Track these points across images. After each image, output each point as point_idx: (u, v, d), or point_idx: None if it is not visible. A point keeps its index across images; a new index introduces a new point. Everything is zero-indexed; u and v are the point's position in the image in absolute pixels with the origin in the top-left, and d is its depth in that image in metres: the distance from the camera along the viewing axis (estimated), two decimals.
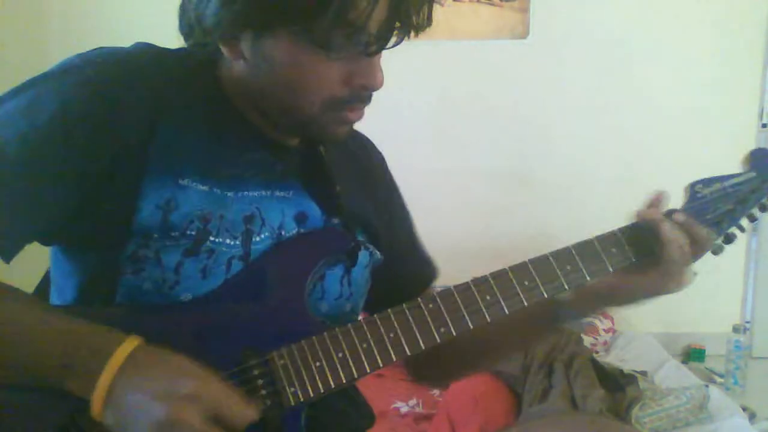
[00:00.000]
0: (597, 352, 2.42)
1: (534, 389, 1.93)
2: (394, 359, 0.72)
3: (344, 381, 0.70)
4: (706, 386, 2.00)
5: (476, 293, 0.75)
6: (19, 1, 2.63)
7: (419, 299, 0.75)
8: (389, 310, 0.74)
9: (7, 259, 0.67)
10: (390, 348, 0.72)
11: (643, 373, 2.16)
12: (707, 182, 0.87)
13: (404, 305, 0.74)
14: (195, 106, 0.74)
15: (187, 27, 0.74)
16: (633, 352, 2.43)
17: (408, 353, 0.72)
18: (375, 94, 0.73)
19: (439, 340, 0.74)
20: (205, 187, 0.72)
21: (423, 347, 0.73)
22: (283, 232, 0.76)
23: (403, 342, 0.72)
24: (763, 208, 0.88)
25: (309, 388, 0.69)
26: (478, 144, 2.72)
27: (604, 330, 2.57)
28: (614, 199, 2.77)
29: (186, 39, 0.76)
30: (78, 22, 2.58)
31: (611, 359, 2.33)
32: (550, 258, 0.78)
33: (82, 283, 0.72)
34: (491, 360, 1.01)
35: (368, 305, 0.88)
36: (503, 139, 2.71)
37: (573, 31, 2.64)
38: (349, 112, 0.73)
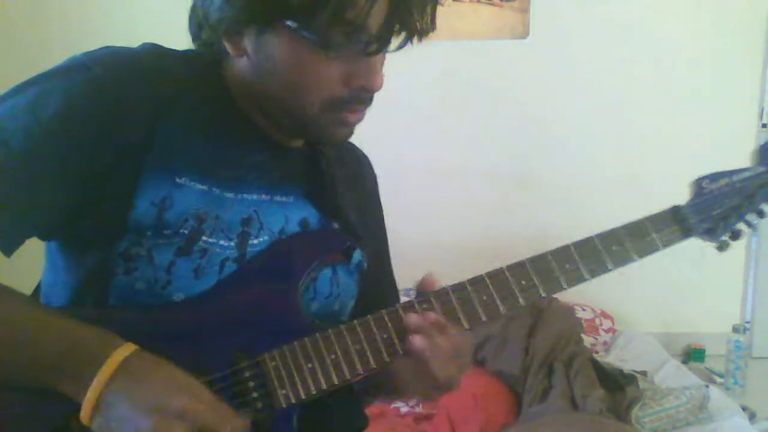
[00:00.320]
0: (597, 352, 2.42)
1: (534, 389, 1.93)
2: (387, 361, 0.72)
3: (336, 383, 0.70)
4: (706, 386, 2.00)
5: (472, 293, 0.75)
6: (20, 2, 2.63)
7: (413, 300, 0.74)
8: (382, 311, 0.73)
9: (8, 253, 0.67)
10: (383, 349, 0.72)
11: (643, 373, 2.16)
12: (714, 177, 0.85)
13: (398, 306, 0.74)
14: (199, 106, 0.74)
15: (195, 27, 0.75)
16: (633, 352, 2.43)
17: (401, 354, 0.72)
18: (374, 94, 0.73)
19: None
20: (203, 187, 0.72)
21: None
22: (283, 237, 0.76)
23: (396, 343, 0.72)
24: None
25: (300, 390, 0.69)
26: (478, 144, 2.72)
27: (604, 330, 2.57)
28: (614, 199, 2.79)
29: (194, 40, 0.77)
30: (79, 22, 2.58)
31: (611, 359, 2.33)
32: (549, 256, 0.77)
33: (75, 284, 0.72)
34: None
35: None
36: (503, 139, 2.71)
37: (573, 31, 2.64)
38: (349, 114, 0.73)
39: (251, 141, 0.77)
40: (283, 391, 0.68)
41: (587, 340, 2.41)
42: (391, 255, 1.00)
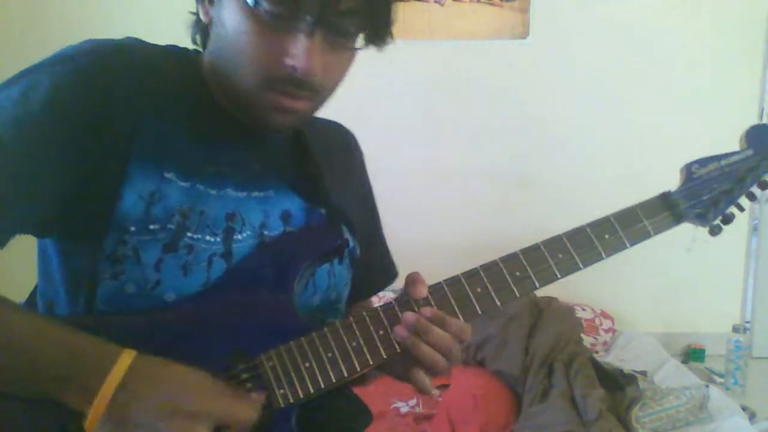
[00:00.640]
0: (597, 352, 2.42)
1: (534, 389, 1.93)
2: (385, 356, 0.72)
3: (334, 381, 0.70)
4: (706, 386, 2.00)
5: (467, 286, 0.75)
6: (19, 1, 2.63)
7: (408, 297, 0.74)
8: (378, 307, 0.74)
9: (1, 245, 0.67)
10: (380, 346, 0.72)
11: (643, 373, 2.16)
12: (703, 162, 0.85)
13: (393, 302, 0.74)
14: (180, 101, 0.75)
15: (194, 27, 0.78)
16: (633, 352, 2.43)
17: (398, 350, 0.72)
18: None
19: None
20: (186, 184, 0.72)
21: None
22: (265, 231, 0.76)
23: (394, 339, 0.72)
24: (762, 186, 0.86)
25: (299, 390, 0.69)
26: (478, 144, 2.72)
27: (604, 330, 2.57)
28: (615, 199, 2.77)
29: (193, 41, 0.79)
30: (79, 22, 2.58)
31: (611, 359, 2.33)
32: (542, 247, 0.77)
33: (66, 289, 0.72)
34: None
35: None
36: (503, 139, 2.71)
37: (573, 31, 2.64)
38: (284, 97, 0.71)
39: (230, 135, 0.77)
40: (282, 391, 0.68)
41: (587, 340, 2.42)
42: (392, 255, 1.00)
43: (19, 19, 2.61)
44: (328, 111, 0.84)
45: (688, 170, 0.85)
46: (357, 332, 0.72)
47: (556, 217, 2.76)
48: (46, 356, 0.61)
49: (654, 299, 2.72)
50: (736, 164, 0.85)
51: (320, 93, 0.74)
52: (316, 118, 0.92)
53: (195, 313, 0.70)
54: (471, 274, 0.75)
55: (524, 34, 2.63)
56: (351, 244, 0.86)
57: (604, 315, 2.60)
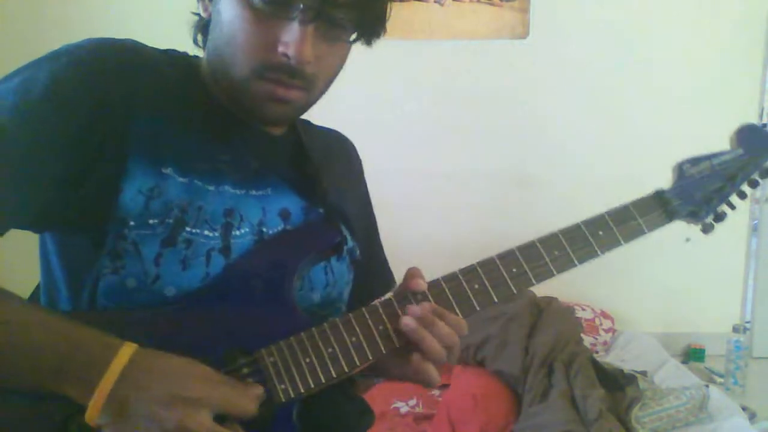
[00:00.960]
0: (597, 352, 2.42)
1: (534, 389, 1.93)
2: (384, 351, 0.72)
3: (335, 376, 0.71)
4: (706, 386, 2.00)
5: (464, 282, 0.76)
6: (18, 3, 2.63)
7: (406, 292, 0.75)
8: (377, 303, 0.74)
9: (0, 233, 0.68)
10: (379, 342, 0.73)
11: (643, 373, 2.16)
12: (695, 161, 0.87)
13: (392, 298, 0.75)
14: (177, 98, 0.76)
15: (195, 27, 0.80)
16: (633, 352, 2.43)
17: (397, 345, 0.73)
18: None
19: None
20: (184, 179, 0.72)
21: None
22: (264, 229, 0.77)
23: (392, 335, 0.73)
24: (752, 184, 0.88)
25: (299, 385, 0.69)
26: (478, 145, 2.72)
27: (604, 330, 2.57)
28: (614, 200, 2.78)
29: (194, 43, 0.81)
30: (78, 23, 2.58)
31: (611, 359, 2.33)
32: (538, 244, 0.79)
33: (67, 285, 0.72)
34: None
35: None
36: (503, 139, 2.71)
37: (573, 31, 2.64)
38: (277, 87, 0.72)
39: (228, 132, 0.78)
40: (282, 386, 0.69)
41: (587, 340, 2.42)
42: (391, 255, 1.01)
43: (18, 19, 2.61)
44: (324, 110, 0.84)
45: (680, 169, 0.87)
46: (356, 328, 0.73)
47: (556, 217, 2.76)
48: (48, 348, 0.61)
49: (654, 299, 2.72)
50: (727, 163, 0.87)
51: (314, 84, 0.74)
52: (316, 125, 0.93)
53: (195, 307, 0.71)
54: (468, 271, 0.76)
55: (524, 34, 2.63)
56: (350, 243, 0.86)
57: (604, 315, 2.60)
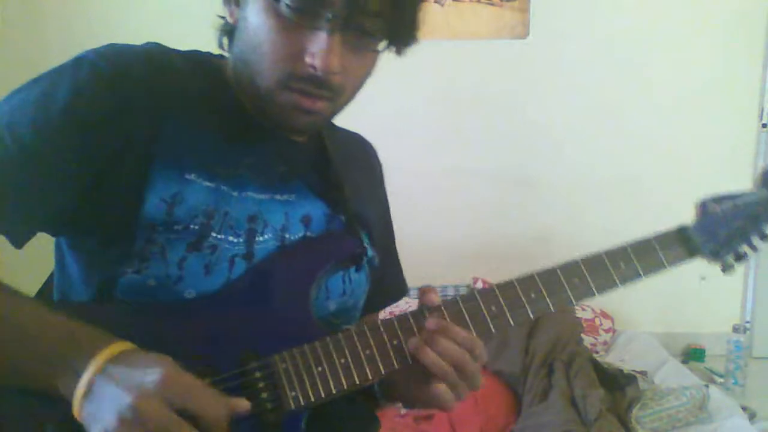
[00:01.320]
0: (597, 352, 2.42)
1: (534, 389, 1.93)
2: (396, 366, 0.72)
3: (346, 387, 0.70)
4: (706, 386, 2.00)
5: (481, 303, 0.75)
6: (19, 3, 2.63)
7: (423, 308, 0.74)
8: (392, 318, 0.74)
9: (19, 245, 0.68)
10: (392, 356, 0.72)
11: (643, 373, 2.16)
12: (718, 199, 0.88)
13: (408, 314, 0.74)
14: (203, 104, 0.75)
15: (221, 31, 0.78)
16: (633, 352, 2.43)
17: (410, 361, 0.72)
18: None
19: None
20: (211, 184, 0.72)
21: None
22: (287, 234, 0.76)
23: (406, 351, 0.72)
24: None
25: (310, 393, 0.69)
26: (479, 145, 2.72)
27: (604, 330, 2.57)
28: (615, 200, 2.79)
29: (219, 47, 0.79)
30: (78, 24, 2.58)
31: (611, 359, 2.33)
32: (558, 271, 0.78)
33: (85, 284, 0.72)
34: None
35: None
36: (503, 139, 2.71)
37: (573, 31, 2.64)
38: (302, 97, 0.71)
39: (253, 137, 0.77)
40: (293, 393, 0.68)
41: (587, 340, 2.42)
42: (403, 272, 1.01)
43: (18, 19, 2.61)
44: None
45: (704, 207, 0.87)
46: (371, 340, 0.72)
47: (555, 218, 2.78)
48: (42, 341, 0.61)
49: (654, 299, 2.71)
50: (752, 205, 0.87)
51: (340, 94, 0.73)
52: (339, 128, 0.92)
53: (211, 308, 0.70)
54: (486, 292, 0.76)
55: (524, 34, 2.63)
56: (370, 253, 0.85)
57: (604, 315, 2.60)
